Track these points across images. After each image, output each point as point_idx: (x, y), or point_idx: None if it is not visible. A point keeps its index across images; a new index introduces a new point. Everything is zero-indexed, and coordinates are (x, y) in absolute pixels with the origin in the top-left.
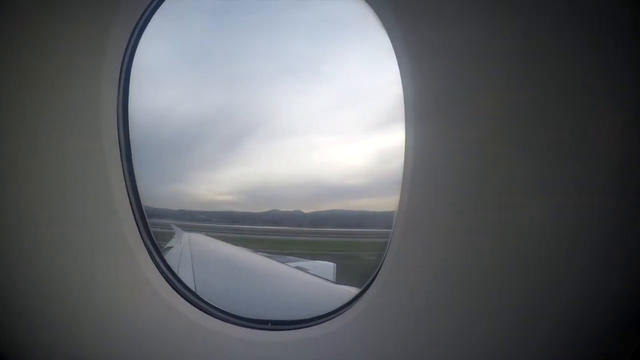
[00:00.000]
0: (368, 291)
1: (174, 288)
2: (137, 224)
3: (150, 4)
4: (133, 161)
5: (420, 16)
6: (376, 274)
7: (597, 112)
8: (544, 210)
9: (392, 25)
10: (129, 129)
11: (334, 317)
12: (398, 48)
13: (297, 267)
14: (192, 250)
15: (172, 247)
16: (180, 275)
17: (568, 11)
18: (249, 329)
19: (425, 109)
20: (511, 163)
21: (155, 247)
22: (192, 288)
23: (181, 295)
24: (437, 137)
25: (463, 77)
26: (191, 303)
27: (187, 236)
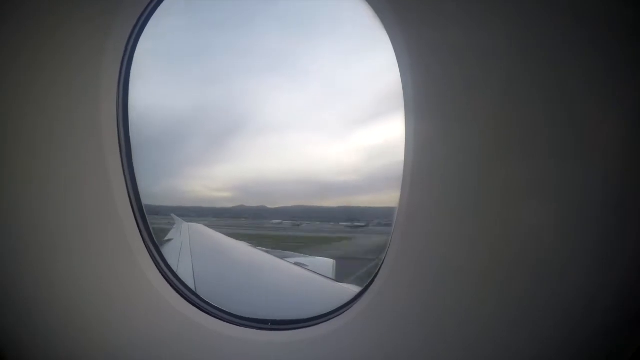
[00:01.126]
0: (369, 290)
1: (174, 288)
2: (137, 224)
3: (150, 3)
4: (133, 161)
5: (420, 16)
6: (377, 273)
7: (598, 112)
8: (544, 209)
9: (392, 25)
10: (129, 128)
11: (334, 317)
12: (398, 48)
13: (296, 263)
14: (192, 244)
15: (171, 239)
16: (180, 268)
17: (569, 10)
18: (249, 329)
19: (425, 107)
20: (511, 162)
21: (156, 247)
22: (192, 281)
23: (181, 295)
24: (437, 135)
25: (463, 76)
26: (191, 303)
27: (186, 226)
